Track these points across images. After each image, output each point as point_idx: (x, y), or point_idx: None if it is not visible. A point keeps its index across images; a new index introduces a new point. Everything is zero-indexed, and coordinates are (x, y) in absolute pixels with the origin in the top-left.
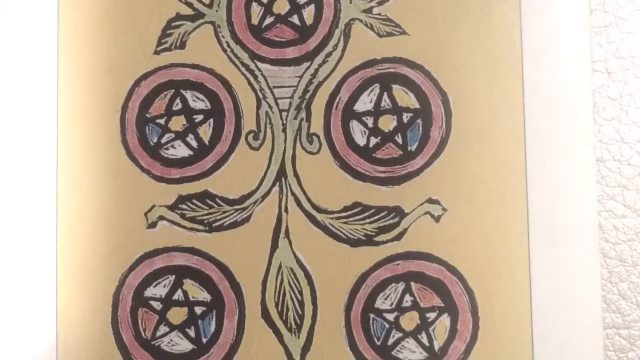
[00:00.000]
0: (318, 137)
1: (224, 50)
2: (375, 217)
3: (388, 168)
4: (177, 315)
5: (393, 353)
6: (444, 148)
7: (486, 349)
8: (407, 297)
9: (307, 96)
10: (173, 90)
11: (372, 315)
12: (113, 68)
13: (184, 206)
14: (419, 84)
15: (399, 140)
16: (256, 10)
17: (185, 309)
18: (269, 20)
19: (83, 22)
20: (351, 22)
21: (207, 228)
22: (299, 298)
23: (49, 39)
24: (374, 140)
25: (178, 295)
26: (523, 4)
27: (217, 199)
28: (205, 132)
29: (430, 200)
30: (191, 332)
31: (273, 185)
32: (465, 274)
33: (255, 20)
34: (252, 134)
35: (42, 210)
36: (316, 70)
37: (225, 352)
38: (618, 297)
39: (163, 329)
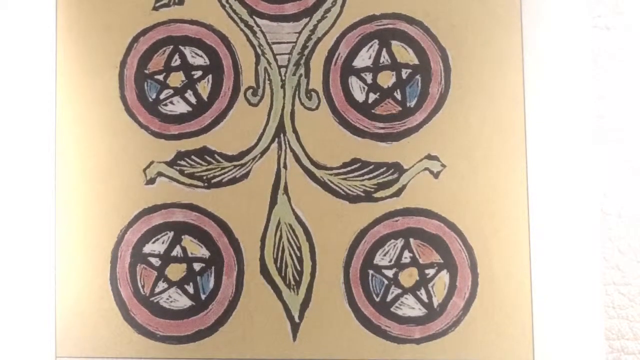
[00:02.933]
0: (317, 93)
1: (223, 6)
2: (374, 173)
3: (387, 124)
4: (175, 271)
5: (392, 309)
6: (443, 104)
7: (485, 305)
8: (406, 254)
9: (305, 52)
10: (172, 46)
11: (371, 272)
12: (112, 24)
13: (182, 162)
14: (418, 40)
15: (398, 96)
16: None
17: (184, 265)
18: None
19: None
20: None
21: (205, 184)
22: (298, 254)
23: None
24: (372, 97)
25: (177, 251)
26: None
27: (215, 155)
28: (204, 88)
29: (430, 157)
30: (190, 289)
31: (272, 141)
32: (464, 230)
33: None
34: (251, 90)
35: (40, 166)
36: (315, 26)
37: (224, 308)
38: (617, 253)
39: (162, 285)
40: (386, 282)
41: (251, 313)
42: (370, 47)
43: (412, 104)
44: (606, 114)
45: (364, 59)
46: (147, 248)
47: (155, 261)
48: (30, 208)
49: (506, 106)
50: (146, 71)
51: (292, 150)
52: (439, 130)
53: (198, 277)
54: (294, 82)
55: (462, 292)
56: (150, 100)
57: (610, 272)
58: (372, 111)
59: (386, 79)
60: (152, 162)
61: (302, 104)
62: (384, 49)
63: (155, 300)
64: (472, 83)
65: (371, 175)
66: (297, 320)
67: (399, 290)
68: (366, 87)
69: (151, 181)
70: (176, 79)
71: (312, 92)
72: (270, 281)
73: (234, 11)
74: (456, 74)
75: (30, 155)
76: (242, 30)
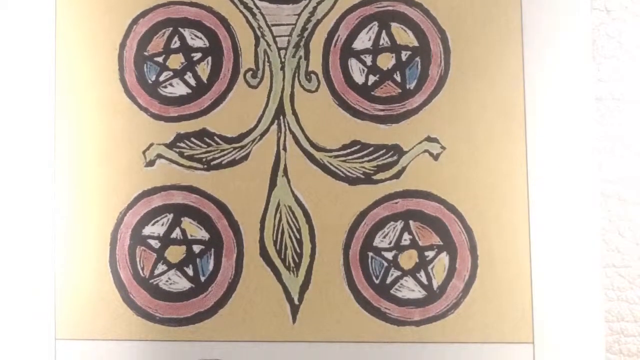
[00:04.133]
0: (316, 75)
1: None
2: (374, 156)
3: (387, 106)
4: (175, 253)
5: (392, 291)
6: (442, 86)
7: (485, 288)
8: (406, 236)
9: (305, 34)
10: (171, 29)
11: (370, 254)
12: (111, 6)
13: (182, 144)
14: (417, 22)
15: (398, 78)
16: None
17: (184, 248)
18: None
19: None
20: None
21: (205, 166)
22: (298, 236)
23: None
24: (372, 79)
25: (176, 233)
26: None
27: (215, 137)
28: (204, 70)
29: (429, 139)
30: (189, 271)
31: (271, 123)
32: (464, 213)
33: None
34: (251, 72)
35: (40, 148)
36: (314, 8)
37: (223, 290)
38: (617, 235)
39: (161, 267)
40: (386, 264)
41: (251, 295)
42: (370, 29)
43: (411, 86)
44: (606, 95)
45: (363, 41)
46: (147, 230)
47: (155, 243)
48: (29, 190)
49: (506, 88)
50: (146, 53)
51: (291, 132)
52: (438, 112)
53: (197, 259)
54: (293, 64)
55: (462, 274)
56: (150, 82)
57: (610, 255)
58: (372, 93)
59: (386, 61)
60: (151, 144)
61: (301, 86)
62: (384, 31)
63: (155, 283)
64: (472, 65)
65: (371, 158)
66: (296, 302)
67: (399, 273)
68: (366, 69)
69: (151, 163)
70: (176, 61)
71: (312, 74)
72: (269, 263)
73: None
74: (456, 56)
75: (29, 138)
76: (241, 12)
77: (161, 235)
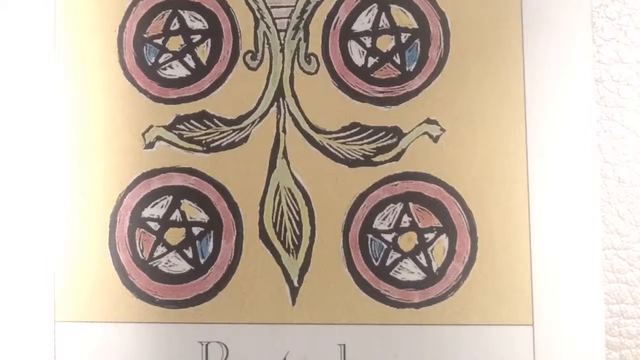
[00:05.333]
0: (316, 57)
1: None
2: (374, 138)
3: (386, 88)
4: (174, 235)
5: (391, 274)
6: (442, 68)
7: (485, 270)
8: (406, 218)
9: (305, 16)
10: (171, 10)
11: (370, 236)
12: None
13: (181, 126)
14: (417, 3)
15: (397, 60)
16: None
17: (183, 230)
18: None
19: None
20: None
21: (204, 148)
22: (297, 219)
23: None
24: (372, 61)
25: (176, 215)
26: None
27: (214, 119)
28: (203, 52)
29: (429, 121)
30: (189, 253)
31: (271, 105)
32: (463, 195)
33: None
34: (250, 54)
35: (40, 129)
36: None
37: (223, 272)
38: (617, 217)
39: (161, 249)
40: (385, 246)
41: (250, 278)
42: (370, 11)
43: (411, 68)
44: (605, 77)
45: (363, 23)
46: (146, 212)
47: (154, 225)
48: (27, 173)
49: (505, 70)
50: (145, 35)
51: (291, 114)
52: (438, 94)
53: (197, 242)
54: (293, 46)
55: (462, 256)
56: (149, 64)
57: (610, 237)
58: (372, 75)
59: (385, 43)
60: (151, 126)
61: (301, 68)
62: (383, 13)
63: (154, 265)
64: (472, 47)
65: (370, 140)
66: (296, 284)
67: (398, 255)
68: (365, 51)
69: (150, 145)
70: (175, 43)
71: (311, 56)
72: (269, 245)
73: None
74: (455, 38)
75: (27, 121)
76: None
77: (160, 217)
